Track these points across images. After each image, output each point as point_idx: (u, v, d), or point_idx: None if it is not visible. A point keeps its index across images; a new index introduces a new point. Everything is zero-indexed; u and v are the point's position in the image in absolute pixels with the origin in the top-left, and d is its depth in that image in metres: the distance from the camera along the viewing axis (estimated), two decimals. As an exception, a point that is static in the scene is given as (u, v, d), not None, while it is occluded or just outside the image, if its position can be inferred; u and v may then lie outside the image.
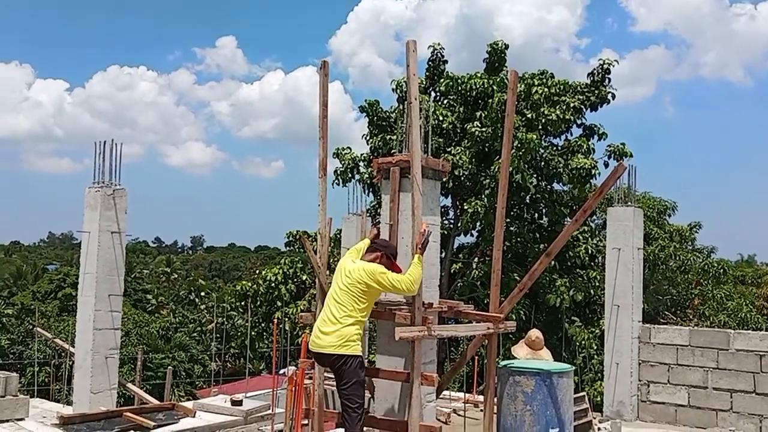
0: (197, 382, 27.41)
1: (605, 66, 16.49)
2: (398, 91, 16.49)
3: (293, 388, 7.94)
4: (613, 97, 16.65)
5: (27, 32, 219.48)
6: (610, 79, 16.61)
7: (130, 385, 10.82)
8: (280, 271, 17.31)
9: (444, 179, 7.05)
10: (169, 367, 18.43)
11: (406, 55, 6.32)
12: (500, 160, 13.65)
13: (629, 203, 10.48)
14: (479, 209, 14.80)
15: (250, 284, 17.88)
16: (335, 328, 5.58)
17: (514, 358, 7.36)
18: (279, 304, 16.81)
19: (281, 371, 10.71)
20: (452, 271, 16.30)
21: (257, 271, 21.52)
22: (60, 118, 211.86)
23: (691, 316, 22.29)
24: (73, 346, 9.88)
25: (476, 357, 10.95)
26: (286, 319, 15.90)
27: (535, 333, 8.19)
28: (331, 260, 14.39)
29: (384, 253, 5.98)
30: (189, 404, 7.88)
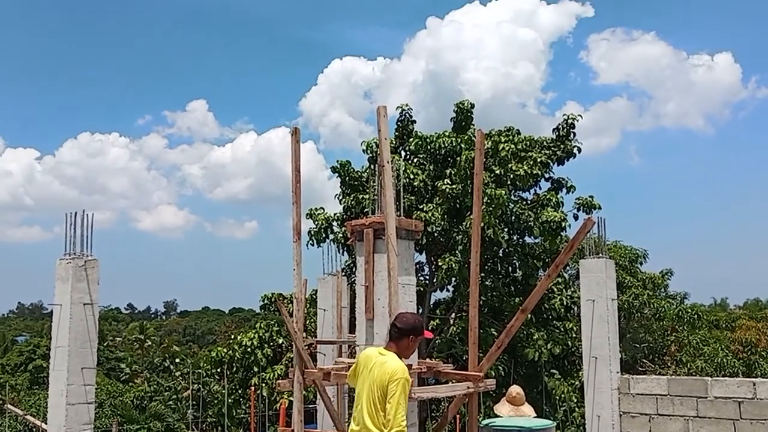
0: (173, 453, 26.65)
1: (570, 121, 16.91)
2: (369, 151, 16.72)
3: (273, 457, 7.80)
4: (579, 150, 17.04)
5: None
6: (575, 134, 17.03)
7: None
8: (256, 336, 17.11)
9: (417, 238, 7.13)
10: (144, 440, 17.94)
11: (377, 120, 6.49)
12: (471, 217, 13.88)
13: (600, 255, 10.61)
14: (453, 265, 14.88)
15: (225, 350, 17.62)
16: None
17: (497, 416, 7.35)
18: (255, 369, 16.56)
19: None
20: (430, 327, 16.24)
21: (232, 336, 21.23)
22: (30, 187, 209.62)
23: (669, 363, 22.38)
24: (45, 422, 9.63)
25: (458, 415, 10.87)
26: (264, 385, 15.64)
27: (515, 389, 8.20)
28: (308, 321, 14.31)
29: (411, 336, 5.29)
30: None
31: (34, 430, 17.17)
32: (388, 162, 6.38)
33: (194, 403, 27.31)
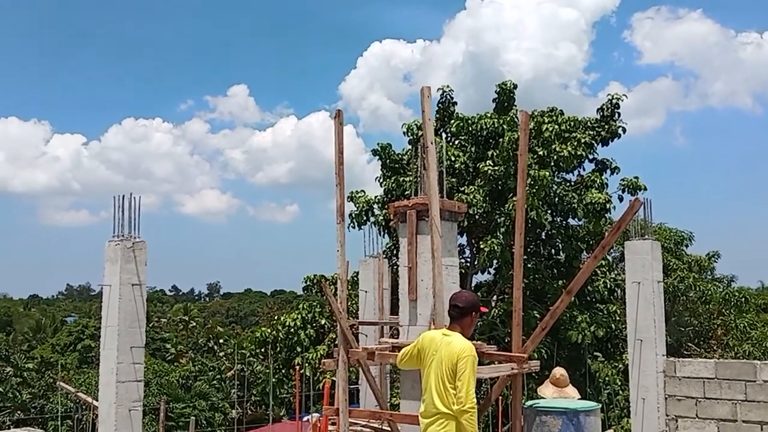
0: (218, 431, 27.23)
1: (614, 101, 16.62)
2: (409, 134, 16.67)
3: (317, 435, 7.90)
4: (624, 131, 16.76)
5: (44, 89, 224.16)
6: (619, 114, 16.74)
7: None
8: (299, 317, 17.30)
9: (460, 220, 7.12)
10: (192, 417, 18.36)
11: (421, 101, 6.47)
12: (514, 198, 13.77)
13: (646, 236, 10.46)
14: (495, 247, 14.81)
15: (269, 330, 17.86)
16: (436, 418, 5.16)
17: (540, 397, 7.32)
18: (299, 349, 16.77)
19: (305, 417, 10.66)
20: (471, 310, 16.23)
21: (276, 317, 21.51)
22: (77, 172, 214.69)
23: (714, 347, 22.04)
24: (96, 399, 9.91)
25: (500, 398, 10.86)
26: (307, 365, 15.84)
27: (559, 371, 8.15)
28: (349, 303, 14.41)
29: (473, 313, 5.46)
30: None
31: (84, 406, 17.69)
32: (431, 143, 6.36)
33: (238, 382, 27.83)
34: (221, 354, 37.24)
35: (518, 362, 6.82)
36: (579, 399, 7.74)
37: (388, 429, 9.46)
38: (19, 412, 26.12)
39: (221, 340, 39.63)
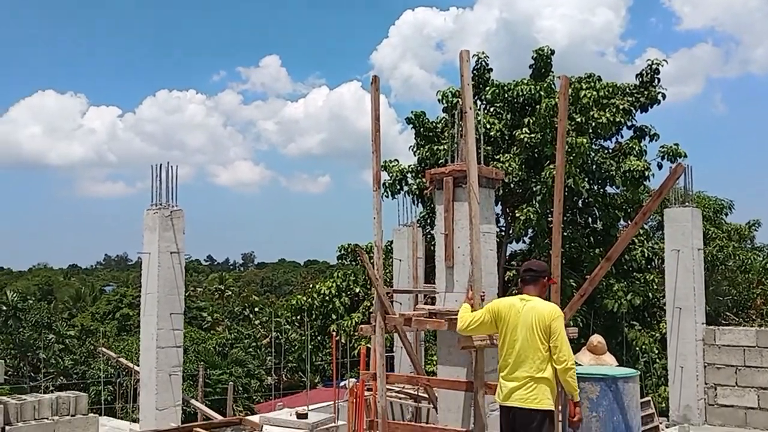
0: (255, 397, 27.75)
1: (654, 66, 16.24)
2: (444, 101, 16.49)
3: (354, 400, 7.98)
4: (663, 97, 16.39)
5: (80, 62, 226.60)
6: (659, 79, 16.36)
7: (193, 402, 11.02)
8: (334, 285, 17.42)
9: (497, 187, 7.05)
10: (230, 383, 18.68)
11: (460, 66, 6.37)
12: (551, 166, 13.61)
13: (686, 203, 10.28)
14: (531, 216, 14.68)
15: (305, 298, 18.03)
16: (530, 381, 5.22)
17: (578, 364, 7.28)
18: (334, 317, 16.91)
19: (341, 383, 10.78)
20: (506, 278, 16.15)
21: (311, 285, 21.70)
22: (113, 144, 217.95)
23: (753, 317, 21.67)
24: (136, 365, 10.11)
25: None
26: (342, 332, 15.98)
27: (597, 338, 8.12)
28: (384, 271, 14.46)
29: (546, 277, 5.67)
30: (255, 418, 7.99)
31: (125, 372, 18.10)
32: (470, 108, 6.28)
33: (273, 350, 28.24)
34: (256, 322, 37.82)
35: (556, 329, 6.76)
36: (616, 366, 7.70)
37: (424, 395, 9.54)
38: (61, 377, 26.89)
39: (256, 309, 40.21)
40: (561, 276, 13.84)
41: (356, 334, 14.45)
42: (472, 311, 5.82)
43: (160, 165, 9.43)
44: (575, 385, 5.24)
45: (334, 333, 10.15)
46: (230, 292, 50.42)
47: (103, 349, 13.33)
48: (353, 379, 8.87)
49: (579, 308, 14.51)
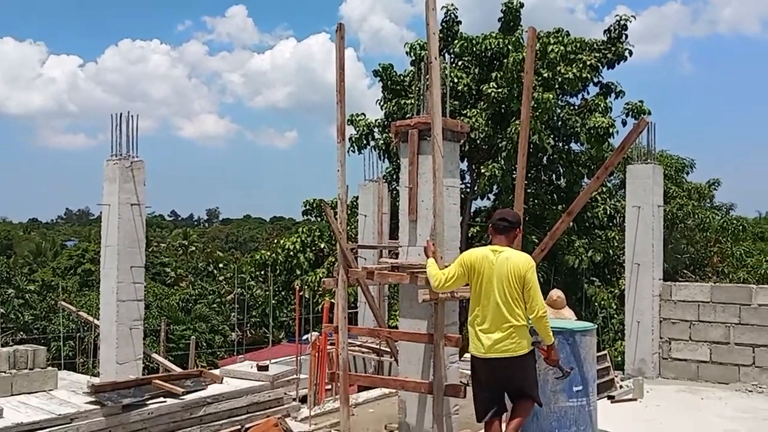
0: (219, 353, 27.74)
1: (622, 22, 16.22)
2: (412, 54, 16.31)
3: (317, 354, 8.01)
4: (630, 53, 16.41)
5: (39, 10, 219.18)
6: (627, 36, 16.37)
7: (155, 356, 10.99)
8: (299, 240, 17.37)
9: (462, 141, 7.00)
10: (192, 338, 18.63)
11: (426, 14, 6.24)
12: (517, 122, 13.58)
13: (648, 161, 10.38)
14: (496, 172, 14.72)
15: (269, 253, 17.96)
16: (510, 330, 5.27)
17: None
18: (298, 272, 16.90)
19: (304, 338, 10.80)
20: (469, 234, 16.25)
21: (275, 241, 21.60)
22: (73, 94, 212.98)
23: (710, 274, 22.18)
24: (98, 319, 10.00)
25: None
26: (306, 287, 15.99)
27: (556, 293, 8.21)
28: (349, 227, 14.43)
29: (518, 228, 5.73)
30: (216, 371, 7.98)
31: (86, 327, 17.94)
32: (436, 58, 6.16)
33: (237, 306, 28.19)
34: (221, 278, 37.62)
35: (517, 283, 6.81)
36: (575, 321, 7.81)
37: (386, 349, 9.61)
38: (21, 333, 26.56)
39: (221, 265, 39.97)
40: (524, 232, 13.99)
41: (320, 289, 14.47)
42: (437, 265, 5.80)
43: (120, 114, 9.20)
44: (549, 331, 5.39)
45: (298, 288, 10.11)
46: (194, 248, 50.02)
47: (63, 303, 13.17)
48: (316, 333, 8.88)
49: (540, 264, 14.72)
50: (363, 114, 17.01)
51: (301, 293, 13.55)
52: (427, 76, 6.41)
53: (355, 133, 16.68)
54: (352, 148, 16.47)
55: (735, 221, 21.89)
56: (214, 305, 31.94)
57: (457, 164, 6.98)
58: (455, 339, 6.20)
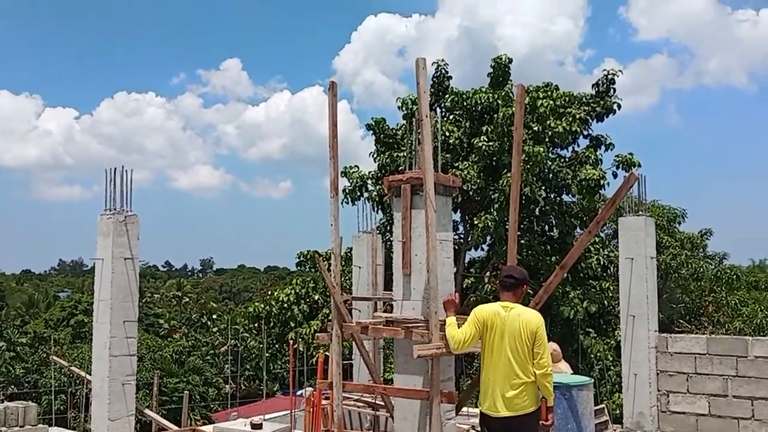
0: (212, 406, 27.33)
1: (610, 76, 16.56)
2: (404, 108, 16.57)
3: (311, 409, 7.92)
4: (619, 107, 16.72)
5: (36, 63, 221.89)
6: (615, 89, 16.71)
7: (147, 411, 10.81)
8: (293, 292, 17.30)
9: (455, 194, 7.07)
10: (186, 392, 18.38)
11: (416, 73, 6.37)
12: (508, 174, 13.72)
13: (640, 212, 10.44)
14: (489, 223, 14.80)
15: (262, 305, 17.86)
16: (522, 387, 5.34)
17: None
18: (292, 324, 16.79)
19: (299, 392, 10.68)
20: (464, 285, 16.27)
21: (269, 292, 21.49)
22: (69, 146, 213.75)
23: (706, 324, 22.12)
24: (89, 374, 9.88)
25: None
26: (300, 340, 15.85)
27: (552, 345, 8.15)
28: (343, 279, 14.41)
29: (525, 285, 5.84)
30: (208, 428, 7.87)
31: (78, 381, 17.70)
32: (426, 116, 6.28)
33: (231, 357, 27.89)
34: (214, 329, 37.30)
35: (512, 337, 6.79)
36: (571, 374, 7.78)
37: (381, 403, 9.51)
38: (12, 386, 26.16)
39: (214, 316, 39.70)
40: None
41: (315, 342, 14.34)
42: (456, 322, 5.85)
43: (115, 169, 9.24)
44: (552, 389, 5.39)
45: (292, 341, 10.05)
46: (188, 299, 49.70)
47: (55, 358, 13.02)
48: (310, 388, 8.79)
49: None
50: (356, 166, 17.18)
51: (295, 346, 13.46)
52: (419, 131, 6.51)
53: (349, 185, 16.80)
54: (345, 200, 16.57)
55: (729, 270, 21.98)
56: (208, 357, 31.59)
57: (449, 218, 7.04)
58: (452, 395, 6.15)
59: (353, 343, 10.57)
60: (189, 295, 52.73)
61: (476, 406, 13.14)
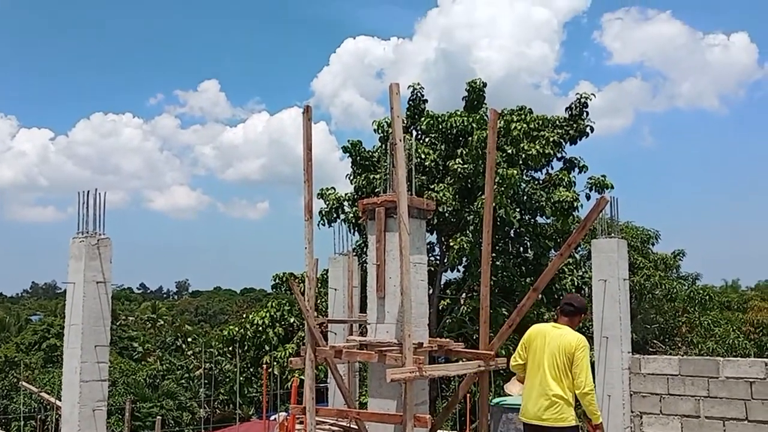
0: (186, 431, 26.93)
1: (582, 100, 16.78)
2: (380, 131, 16.64)
3: (285, 434, 7.84)
4: (592, 129, 16.92)
5: (10, 84, 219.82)
6: (587, 113, 16.92)
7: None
8: (267, 315, 17.17)
9: (429, 217, 7.11)
10: (158, 417, 18.11)
11: (390, 98, 6.43)
12: (483, 196, 13.80)
13: (612, 234, 10.55)
14: (465, 245, 14.86)
15: (237, 329, 17.70)
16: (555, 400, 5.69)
17: (508, 395, 7.34)
18: (267, 348, 16.64)
19: (272, 417, 10.57)
20: (440, 307, 16.27)
21: (244, 315, 21.32)
22: (44, 167, 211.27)
23: (679, 344, 22.35)
24: (60, 399, 9.71)
25: (469, 394, 10.87)
26: (275, 363, 15.70)
27: (525, 368, 8.18)
28: (319, 301, 14.34)
29: (583, 314, 6.31)
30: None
31: (48, 406, 17.38)
32: (400, 140, 6.33)
33: (206, 381, 27.56)
34: (189, 353, 36.86)
35: (485, 359, 6.83)
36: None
37: (356, 428, 9.45)
38: (-21, 412, 25.60)
39: (189, 339, 39.26)
40: (493, 305, 14.01)
41: (288, 365, 14.23)
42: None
43: (88, 191, 9.15)
44: (594, 408, 5.82)
45: (266, 365, 9.96)
46: (163, 322, 49.13)
47: (24, 383, 12.79)
48: (284, 413, 8.71)
49: (511, 337, 14.71)
50: (333, 188, 17.19)
51: (270, 370, 13.33)
52: (394, 154, 6.55)
53: (325, 206, 16.79)
54: (322, 222, 16.56)
55: (701, 291, 22.27)
56: (182, 381, 31.18)
57: (423, 241, 7.07)
58: (425, 419, 6.12)
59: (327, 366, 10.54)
60: (164, 317, 52.14)
61: (451, 429, 13.13)
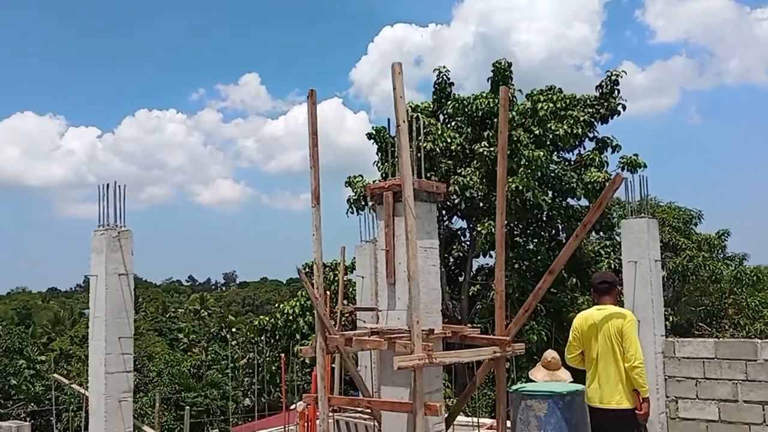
0: (232, 419, 27.30)
1: (613, 77, 16.25)
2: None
3: (305, 424, 7.80)
4: (624, 108, 16.37)
5: (59, 85, 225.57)
6: (618, 90, 16.35)
7: (145, 428, 10.74)
8: (298, 304, 17.20)
9: (440, 201, 6.91)
10: (186, 408, 18.31)
11: (392, 78, 6.25)
12: (511, 180, 13.50)
13: (642, 215, 10.20)
14: (492, 230, 14.58)
15: (267, 318, 17.76)
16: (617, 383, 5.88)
17: (532, 381, 7.20)
18: (298, 336, 16.67)
19: (292, 406, 10.56)
20: (471, 294, 16.02)
21: (276, 305, 21.43)
22: (92, 165, 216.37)
23: (726, 326, 21.67)
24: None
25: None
26: (305, 352, 15.70)
27: (551, 354, 7.99)
28: (349, 289, 14.26)
29: (619, 287, 6.59)
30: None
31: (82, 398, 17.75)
32: (404, 121, 6.16)
33: (250, 370, 27.81)
34: (233, 343, 37.35)
35: (501, 345, 6.64)
36: (571, 381, 7.57)
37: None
38: (32, 404, 26.35)
39: (234, 329, 39.74)
40: (524, 290, 13.73)
41: (301, 355, 14.20)
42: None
43: (107, 185, 9.22)
44: (642, 381, 5.85)
45: (290, 353, 9.93)
46: (209, 313, 49.89)
47: (56, 376, 13.01)
48: (302, 403, 8.67)
49: (543, 322, 14.44)
50: (361, 175, 17.05)
51: (294, 358, 13.31)
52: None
53: (353, 194, 16.68)
54: (351, 210, 16.47)
55: (749, 271, 21.51)
56: (227, 371, 31.61)
57: (434, 225, 6.88)
58: (435, 408, 5.94)
59: (359, 354, 10.45)
60: (212, 308, 52.91)
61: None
